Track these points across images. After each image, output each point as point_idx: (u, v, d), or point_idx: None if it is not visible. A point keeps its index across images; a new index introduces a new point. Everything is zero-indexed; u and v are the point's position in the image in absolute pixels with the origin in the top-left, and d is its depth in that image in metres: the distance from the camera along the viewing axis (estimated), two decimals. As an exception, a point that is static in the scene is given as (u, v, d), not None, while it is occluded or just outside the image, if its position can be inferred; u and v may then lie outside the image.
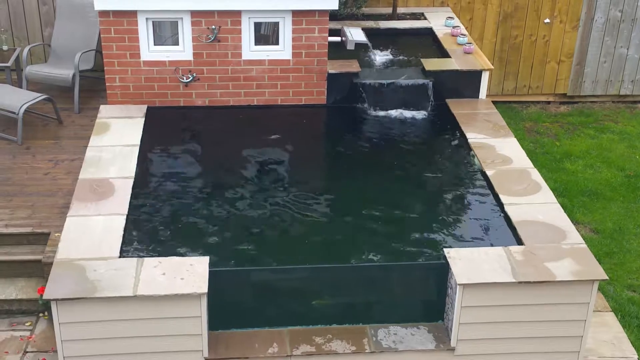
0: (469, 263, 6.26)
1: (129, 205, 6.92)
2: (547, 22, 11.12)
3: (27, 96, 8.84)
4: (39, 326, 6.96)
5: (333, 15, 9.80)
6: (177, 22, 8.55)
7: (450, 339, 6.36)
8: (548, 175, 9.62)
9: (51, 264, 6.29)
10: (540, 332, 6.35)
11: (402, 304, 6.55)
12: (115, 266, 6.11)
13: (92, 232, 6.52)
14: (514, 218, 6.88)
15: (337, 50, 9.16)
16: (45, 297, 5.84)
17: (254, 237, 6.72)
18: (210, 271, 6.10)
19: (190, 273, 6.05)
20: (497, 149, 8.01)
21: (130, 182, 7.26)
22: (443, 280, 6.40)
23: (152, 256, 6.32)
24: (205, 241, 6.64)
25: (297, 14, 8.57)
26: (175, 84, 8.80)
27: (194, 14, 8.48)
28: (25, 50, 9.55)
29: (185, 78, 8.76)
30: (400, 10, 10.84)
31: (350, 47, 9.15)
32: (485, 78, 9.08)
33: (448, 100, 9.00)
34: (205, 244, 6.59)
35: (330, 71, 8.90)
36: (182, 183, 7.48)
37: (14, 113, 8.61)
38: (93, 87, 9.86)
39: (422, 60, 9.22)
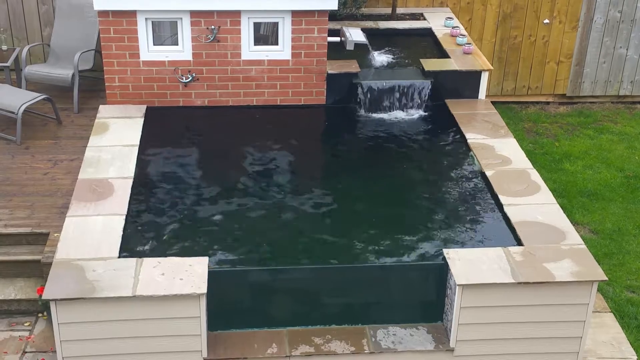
0: (468, 263, 6.26)
1: (128, 206, 6.92)
2: (547, 23, 11.12)
3: (26, 96, 8.84)
4: (38, 326, 6.96)
5: (332, 16, 9.80)
6: (176, 22, 8.55)
7: (449, 340, 6.37)
8: (547, 175, 9.62)
9: (50, 264, 6.29)
10: (539, 332, 6.35)
11: (401, 304, 6.55)
12: (115, 266, 6.11)
13: (91, 232, 6.52)
14: (513, 218, 6.88)
15: (337, 51, 9.16)
16: (44, 297, 5.84)
17: (253, 237, 6.71)
18: (209, 271, 6.10)
19: (189, 273, 6.05)
20: (497, 149, 8.01)
21: (130, 182, 7.25)
22: (442, 280, 6.40)
23: (151, 256, 6.32)
24: (205, 241, 6.63)
25: (296, 14, 8.57)
26: (175, 84, 8.80)
27: (194, 14, 8.47)
28: (25, 50, 9.55)
29: (184, 78, 8.75)
30: (400, 10, 10.84)
31: (349, 47, 9.14)
32: (484, 78, 9.08)
33: (447, 101, 9.00)
34: (204, 244, 6.59)
35: (330, 71, 8.90)
36: (182, 183, 7.48)
37: (13, 113, 8.61)
38: (92, 87, 9.86)
39: (421, 60, 9.22)
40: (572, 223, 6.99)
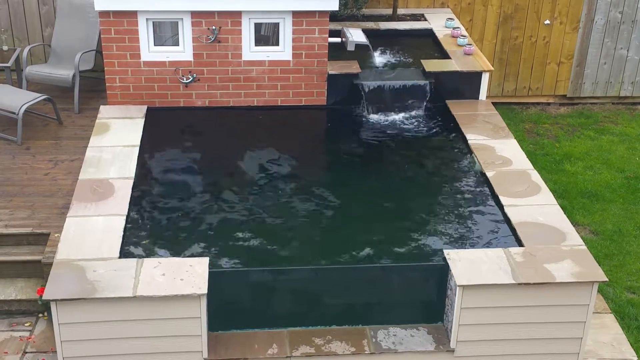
0: (468, 264, 6.26)
1: (129, 206, 6.92)
2: (547, 24, 11.12)
3: (27, 96, 8.84)
4: (38, 326, 6.96)
5: (333, 16, 9.81)
6: (177, 22, 8.55)
7: (449, 341, 6.36)
8: (548, 176, 9.62)
9: (51, 264, 6.29)
10: (539, 333, 6.35)
11: (401, 305, 6.55)
12: (115, 267, 6.11)
13: (92, 232, 6.52)
14: (514, 219, 6.88)
15: (337, 51, 9.16)
16: (44, 297, 5.84)
17: (253, 238, 6.72)
18: (209, 272, 6.10)
19: (190, 274, 6.05)
20: (497, 150, 8.01)
21: (130, 182, 7.26)
22: (443, 281, 6.40)
23: (151, 257, 6.32)
24: (205, 242, 6.63)
25: (297, 14, 8.57)
26: (176, 85, 8.80)
27: (194, 14, 8.48)
28: (26, 50, 9.55)
29: (185, 79, 8.76)
30: (401, 11, 10.84)
31: (350, 48, 9.14)
32: (485, 79, 9.08)
33: (448, 102, 9.00)
34: (205, 245, 6.59)
35: (331, 72, 8.90)
36: (182, 183, 7.48)
37: (14, 113, 8.61)
38: (93, 88, 9.86)
39: (422, 61, 9.22)
40: (572, 224, 6.98)
